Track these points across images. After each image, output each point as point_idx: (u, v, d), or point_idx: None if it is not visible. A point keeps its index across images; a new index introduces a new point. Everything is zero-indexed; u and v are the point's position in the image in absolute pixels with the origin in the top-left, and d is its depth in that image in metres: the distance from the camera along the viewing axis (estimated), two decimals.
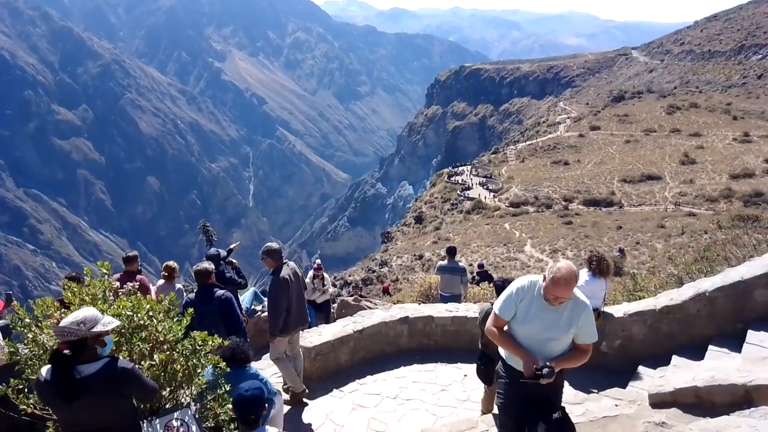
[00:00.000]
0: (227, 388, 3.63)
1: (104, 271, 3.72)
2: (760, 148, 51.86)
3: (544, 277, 3.45)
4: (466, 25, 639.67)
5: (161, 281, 7.74)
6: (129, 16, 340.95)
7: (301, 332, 7.20)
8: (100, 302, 3.36)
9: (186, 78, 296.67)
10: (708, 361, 4.95)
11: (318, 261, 10.60)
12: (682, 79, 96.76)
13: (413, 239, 48.52)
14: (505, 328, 3.69)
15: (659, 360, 5.50)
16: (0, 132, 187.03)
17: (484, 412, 5.52)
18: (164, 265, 7.86)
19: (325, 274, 10.15)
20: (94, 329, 2.83)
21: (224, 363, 3.85)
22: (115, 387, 2.90)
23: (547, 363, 3.38)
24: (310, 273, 9.88)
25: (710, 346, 5.16)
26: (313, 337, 6.88)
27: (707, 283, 5.57)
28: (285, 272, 5.94)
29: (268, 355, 8.28)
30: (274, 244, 6.24)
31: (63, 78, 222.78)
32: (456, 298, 9.56)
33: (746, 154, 50.69)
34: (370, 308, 9.34)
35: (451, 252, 10.11)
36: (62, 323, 2.83)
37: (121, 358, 3.06)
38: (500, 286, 5.16)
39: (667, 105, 76.53)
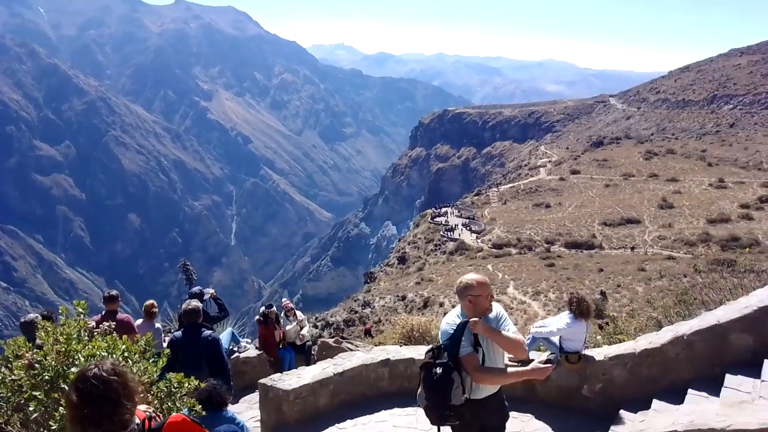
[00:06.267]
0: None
1: (80, 310, 3.66)
2: (735, 194, 53.25)
3: (469, 302, 3.67)
4: (449, 70, 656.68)
5: (140, 320, 7.68)
6: (117, 55, 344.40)
7: (279, 375, 7.10)
8: (74, 342, 3.29)
9: (172, 116, 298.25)
10: (687, 405, 4.95)
11: (285, 300, 10.52)
12: (658, 126, 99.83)
13: (396, 280, 48.31)
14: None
15: (640, 403, 5.49)
16: None
17: None
18: (145, 304, 7.80)
19: (297, 311, 10.05)
20: None
21: (200, 406, 3.76)
22: None
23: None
24: (282, 313, 9.77)
25: (689, 390, 5.17)
26: (292, 379, 6.74)
27: (685, 327, 5.61)
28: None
29: (246, 397, 8.13)
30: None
31: (47, 114, 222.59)
32: None
33: (722, 200, 51.95)
34: (351, 350, 9.22)
35: None
36: None
37: None
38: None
39: (644, 151, 78.55)
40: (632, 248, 42.38)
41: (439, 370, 3.62)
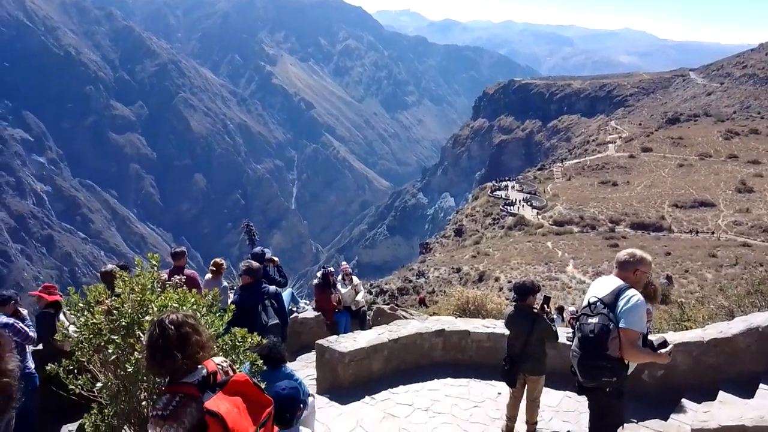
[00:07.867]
0: (263, 387, 3.67)
1: (153, 262, 3.84)
2: None
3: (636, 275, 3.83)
4: (516, 39, 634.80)
5: (208, 276, 7.99)
6: (187, 19, 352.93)
7: (336, 337, 7.29)
8: (148, 293, 3.47)
9: (237, 80, 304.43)
10: (758, 399, 4.73)
11: (344, 264, 10.61)
12: (742, 104, 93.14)
13: (452, 252, 48.21)
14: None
15: (703, 393, 5.29)
16: (61, 125, 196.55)
17: (508, 417, 5.44)
18: (213, 261, 8.11)
19: (354, 277, 10.16)
20: None
21: (261, 361, 3.90)
22: None
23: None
24: (339, 276, 9.90)
25: (761, 385, 4.92)
26: (348, 342, 6.91)
27: (760, 318, 5.33)
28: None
29: (302, 356, 8.40)
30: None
31: (122, 75, 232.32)
32: None
33: None
34: (405, 318, 9.32)
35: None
36: None
37: None
38: (518, 288, 5.32)
39: (724, 130, 73.80)
40: (712, 233, 40.16)
41: (596, 320, 3.69)
